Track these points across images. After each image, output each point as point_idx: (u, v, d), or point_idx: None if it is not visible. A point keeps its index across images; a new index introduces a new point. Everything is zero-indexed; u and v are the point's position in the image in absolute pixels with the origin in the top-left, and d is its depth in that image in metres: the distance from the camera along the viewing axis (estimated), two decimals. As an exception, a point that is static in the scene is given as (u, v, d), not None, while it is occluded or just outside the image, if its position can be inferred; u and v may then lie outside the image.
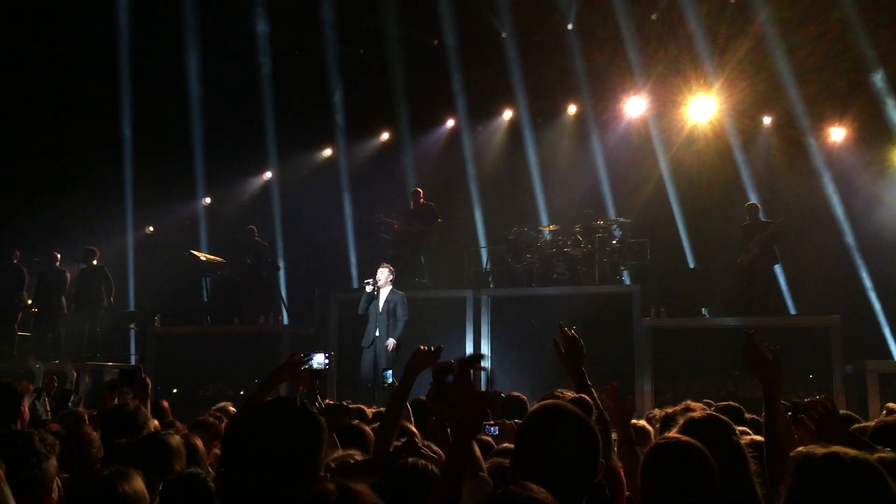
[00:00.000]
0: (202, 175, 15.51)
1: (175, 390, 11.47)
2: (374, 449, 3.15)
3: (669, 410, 4.10)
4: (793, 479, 2.07)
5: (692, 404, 4.20)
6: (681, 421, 2.83)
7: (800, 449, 2.27)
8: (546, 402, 2.38)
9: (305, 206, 15.15)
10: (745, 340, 3.07)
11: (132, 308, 14.48)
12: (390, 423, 3.13)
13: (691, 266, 13.27)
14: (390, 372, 5.00)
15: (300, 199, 15.31)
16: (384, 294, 9.93)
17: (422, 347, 3.29)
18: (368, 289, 9.90)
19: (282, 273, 14.03)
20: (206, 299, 13.19)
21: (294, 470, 1.71)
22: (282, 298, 13.31)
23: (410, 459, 2.48)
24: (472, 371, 2.64)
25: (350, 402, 5.51)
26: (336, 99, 14.95)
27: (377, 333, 9.75)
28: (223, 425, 5.34)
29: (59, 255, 12.54)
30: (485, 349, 11.01)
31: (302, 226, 15.02)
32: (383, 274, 9.96)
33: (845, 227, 13.04)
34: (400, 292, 10.11)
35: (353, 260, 13.71)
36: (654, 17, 13.39)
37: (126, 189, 15.05)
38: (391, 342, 9.69)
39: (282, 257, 14.67)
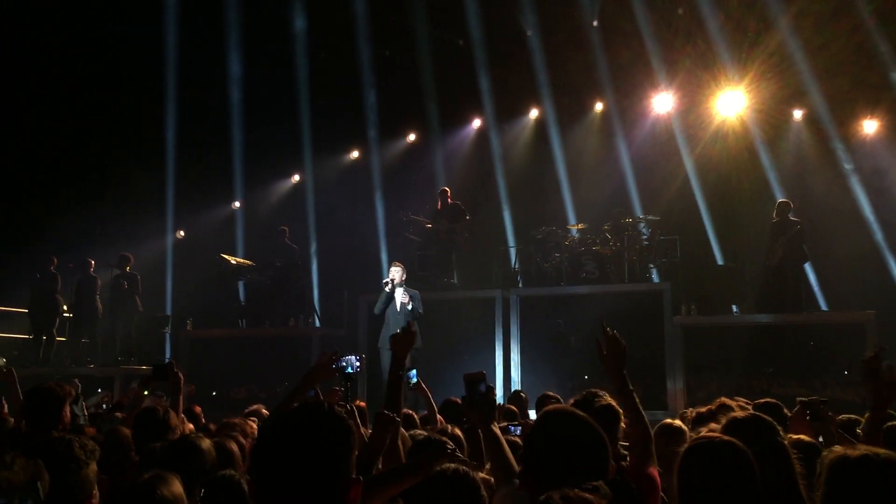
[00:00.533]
0: (240, 177, 15.68)
1: (214, 392, 11.61)
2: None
3: (703, 409, 4.07)
4: (828, 482, 2.06)
5: (727, 401, 4.16)
6: (722, 419, 2.81)
7: (835, 449, 2.25)
8: (552, 406, 2.38)
9: (337, 207, 15.25)
10: (874, 352, 3.09)
11: (168, 312, 14.66)
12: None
13: (722, 263, 13.13)
14: (414, 372, 5.01)
15: (332, 200, 15.42)
16: (399, 293, 9.87)
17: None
18: (388, 289, 9.85)
19: (315, 275, 14.12)
20: (242, 302, 13.33)
21: (323, 474, 1.73)
22: (312, 300, 13.40)
23: (451, 466, 2.46)
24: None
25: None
26: (370, 100, 15.00)
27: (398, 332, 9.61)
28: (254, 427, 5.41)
29: (93, 262, 12.75)
30: (514, 349, 10.98)
31: (334, 227, 15.11)
32: (397, 272, 9.88)
33: (874, 223, 12.82)
34: (413, 290, 10.05)
35: (384, 260, 13.72)
36: (680, 11, 13.26)
37: (168, 192, 15.27)
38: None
39: (315, 259, 14.77)
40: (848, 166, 12.08)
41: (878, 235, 12.74)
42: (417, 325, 9.63)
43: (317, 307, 13.40)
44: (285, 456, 1.73)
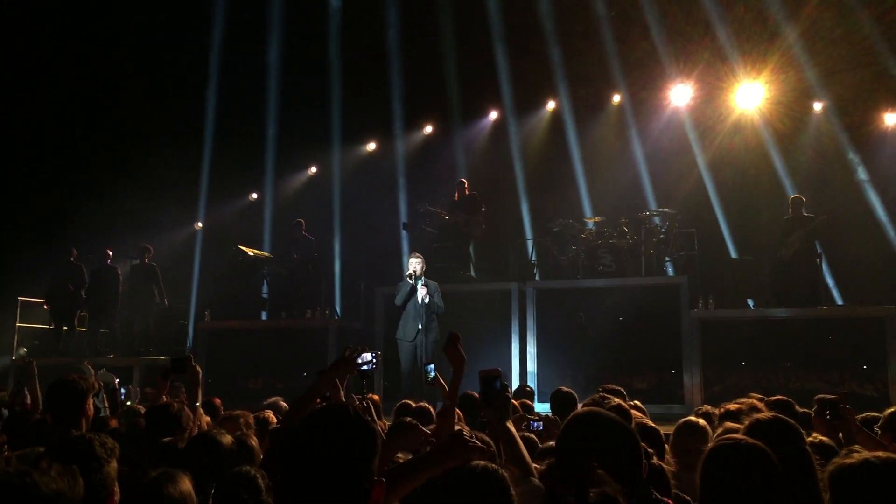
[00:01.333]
0: (271, 167, 15.75)
1: (228, 383, 11.72)
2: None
3: (732, 407, 4.05)
4: (833, 492, 2.07)
5: (747, 402, 4.13)
6: (746, 421, 2.80)
7: (835, 460, 2.26)
8: (584, 409, 2.38)
9: (359, 199, 15.28)
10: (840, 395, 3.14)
11: (193, 303, 14.77)
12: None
13: (738, 257, 13.05)
14: (433, 366, 5.02)
15: (354, 192, 15.45)
16: (419, 285, 9.69)
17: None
18: (411, 281, 9.70)
19: (337, 267, 14.16)
20: (265, 295, 13.43)
21: (348, 476, 1.77)
22: (326, 293, 13.41)
23: (480, 463, 2.44)
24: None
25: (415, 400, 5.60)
26: (396, 91, 15.02)
27: (420, 326, 9.60)
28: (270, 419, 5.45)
29: (111, 252, 12.85)
30: (530, 341, 10.98)
31: (356, 219, 15.14)
32: (418, 264, 9.72)
33: (886, 218, 12.69)
34: (433, 281, 9.92)
35: (405, 252, 13.68)
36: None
37: (201, 182, 15.38)
38: (431, 370, 9.63)
39: (338, 251, 14.82)
40: (862, 177, 11.88)
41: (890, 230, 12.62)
42: (437, 318, 9.68)
43: (337, 299, 13.47)
44: (312, 458, 1.77)
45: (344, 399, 3.76)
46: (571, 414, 2.42)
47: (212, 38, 14.35)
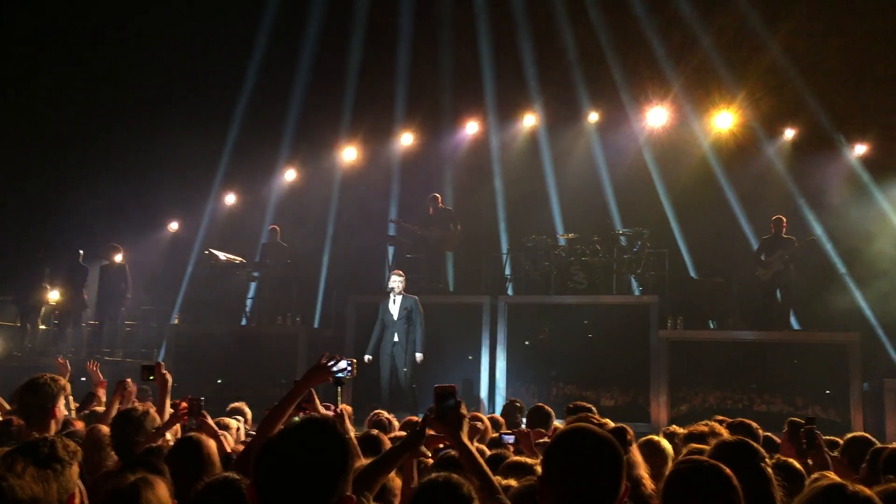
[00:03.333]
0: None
1: (219, 380, 11.66)
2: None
3: (696, 431, 4.11)
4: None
5: (716, 426, 4.21)
6: (711, 441, 2.84)
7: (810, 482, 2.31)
8: (575, 424, 2.40)
9: (346, 209, 15.17)
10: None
11: (178, 305, 14.57)
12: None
13: (709, 278, 13.18)
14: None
15: (345, 202, 15.31)
16: (399, 300, 10.06)
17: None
18: (392, 294, 10.07)
19: (323, 274, 14.12)
20: (248, 299, 13.39)
21: (324, 491, 1.80)
22: (298, 300, 13.31)
23: (443, 474, 2.50)
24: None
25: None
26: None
27: (396, 339, 9.92)
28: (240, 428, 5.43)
29: (82, 252, 12.70)
30: (500, 356, 11.03)
31: (345, 228, 15.00)
32: (400, 282, 10.10)
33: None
34: (413, 296, 10.21)
35: (388, 263, 13.55)
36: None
37: (219, 168, 15.26)
38: (419, 356, 9.90)
39: (326, 259, 14.73)
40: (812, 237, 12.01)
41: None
42: (420, 331, 9.84)
43: (318, 307, 13.46)
44: (288, 470, 1.79)
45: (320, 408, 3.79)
46: (564, 428, 2.44)
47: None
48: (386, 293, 10.23)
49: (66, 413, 3.99)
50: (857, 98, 12.78)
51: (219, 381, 11.66)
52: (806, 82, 12.55)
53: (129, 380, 5.33)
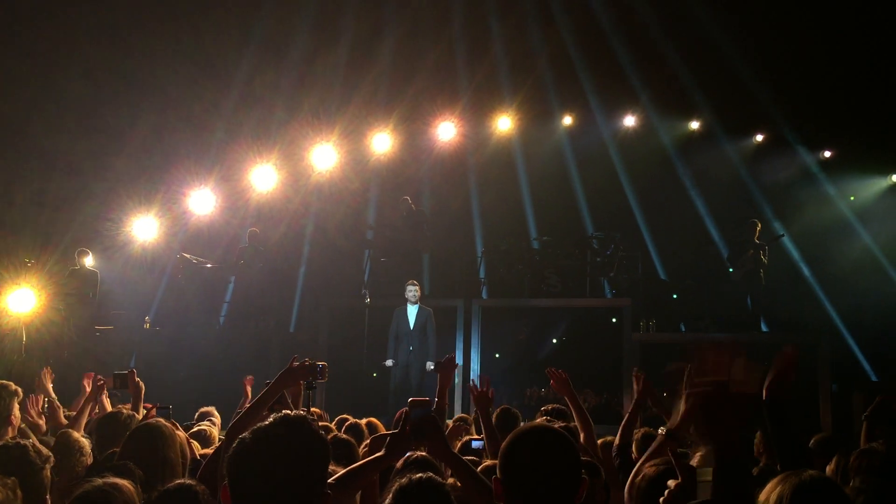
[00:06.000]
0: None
1: (190, 384, 11.48)
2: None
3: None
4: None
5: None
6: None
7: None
8: (530, 423, 2.40)
9: (326, 212, 15.04)
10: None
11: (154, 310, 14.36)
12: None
13: (681, 282, 13.31)
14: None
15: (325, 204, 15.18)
16: (414, 311, 10.13)
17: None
18: (411, 299, 10.17)
19: (301, 277, 14.03)
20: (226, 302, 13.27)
21: (299, 488, 1.77)
22: (273, 303, 13.21)
23: (421, 475, 2.49)
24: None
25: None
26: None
27: (411, 349, 10.01)
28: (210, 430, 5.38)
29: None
30: (474, 359, 11.04)
31: (324, 231, 14.87)
32: (416, 291, 10.21)
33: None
34: (428, 308, 10.30)
35: (366, 267, 13.45)
36: None
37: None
38: (430, 365, 9.91)
39: (304, 262, 14.60)
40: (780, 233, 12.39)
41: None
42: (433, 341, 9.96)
43: (295, 310, 13.38)
44: (264, 469, 1.76)
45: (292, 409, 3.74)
46: (518, 428, 2.44)
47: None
48: (362, 302, 10.37)
49: (19, 417, 3.92)
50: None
51: (188, 385, 11.48)
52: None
53: (97, 378, 5.18)
